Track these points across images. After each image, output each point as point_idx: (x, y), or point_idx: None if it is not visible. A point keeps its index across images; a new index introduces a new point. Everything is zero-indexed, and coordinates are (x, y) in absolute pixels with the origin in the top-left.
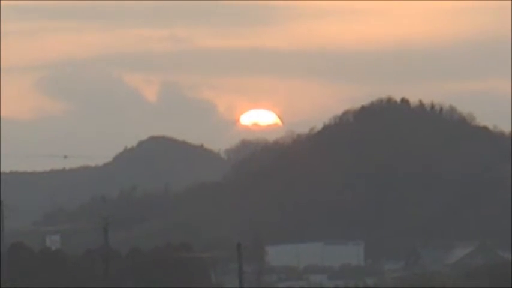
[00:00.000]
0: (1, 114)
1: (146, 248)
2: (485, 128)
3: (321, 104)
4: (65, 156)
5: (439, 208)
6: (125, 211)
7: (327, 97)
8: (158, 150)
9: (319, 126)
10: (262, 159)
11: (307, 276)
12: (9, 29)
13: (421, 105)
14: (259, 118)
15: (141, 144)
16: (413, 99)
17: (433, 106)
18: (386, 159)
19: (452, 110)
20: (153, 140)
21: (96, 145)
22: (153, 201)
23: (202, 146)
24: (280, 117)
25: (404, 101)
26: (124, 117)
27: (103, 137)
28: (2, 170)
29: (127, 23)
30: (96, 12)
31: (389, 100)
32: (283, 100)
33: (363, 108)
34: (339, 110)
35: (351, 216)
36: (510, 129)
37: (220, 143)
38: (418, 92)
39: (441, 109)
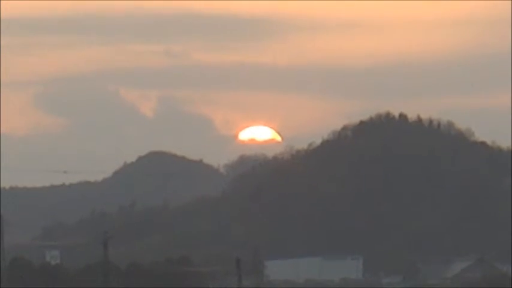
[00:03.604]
0: (0, 130)
1: (146, 262)
2: (483, 143)
3: (319, 119)
4: (65, 172)
5: (437, 222)
6: (125, 226)
7: (326, 112)
8: (157, 166)
9: (317, 141)
10: (261, 174)
11: None
12: (7, 44)
13: (419, 120)
14: (258, 134)
15: (140, 159)
16: (412, 115)
17: (431, 121)
18: (385, 174)
19: (450, 125)
20: (153, 155)
21: (96, 160)
22: (152, 216)
23: (201, 161)
24: (278, 133)
25: (403, 116)
26: (123, 133)
27: (102, 153)
28: (1, 186)
29: (123, 38)
30: (93, 28)
31: (388, 115)
32: (281, 115)
33: (361, 123)
34: (337, 125)
35: (349, 231)
36: (508, 145)
37: (219, 158)
38: (417, 107)
39: (439, 124)
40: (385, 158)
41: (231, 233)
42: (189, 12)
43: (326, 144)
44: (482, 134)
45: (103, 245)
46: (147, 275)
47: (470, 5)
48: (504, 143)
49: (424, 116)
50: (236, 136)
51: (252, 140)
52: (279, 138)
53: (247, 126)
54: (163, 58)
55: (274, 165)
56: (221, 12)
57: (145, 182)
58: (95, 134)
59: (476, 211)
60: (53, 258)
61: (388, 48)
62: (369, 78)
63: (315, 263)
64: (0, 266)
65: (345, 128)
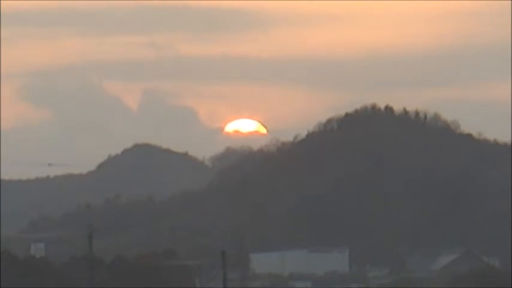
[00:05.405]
0: None
1: (131, 255)
2: (469, 136)
3: (305, 111)
4: (50, 164)
5: (424, 215)
6: (110, 219)
7: (311, 104)
8: (142, 158)
9: (303, 133)
10: (247, 166)
11: (292, 284)
12: None
13: (405, 112)
14: (243, 126)
15: (125, 152)
16: (398, 107)
17: (417, 113)
18: (371, 167)
19: (436, 117)
20: (137, 147)
21: (80, 153)
22: (137, 209)
23: (186, 153)
24: (264, 125)
25: (389, 108)
26: (108, 125)
27: (87, 145)
28: None
29: (107, 30)
30: (77, 19)
31: (374, 107)
32: (267, 108)
33: (347, 115)
34: (323, 118)
35: (335, 224)
36: (494, 137)
37: (204, 151)
38: (402, 99)
39: (425, 116)
40: (370, 151)
41: (216, 226)
42: (174, 4)
43: (311, 136)
44: (468, 126)
45: (88, 237)
46: (132, 268)
47: None
48: (490, 135)
49: (410, 108)
50: (221, 128)
51: (238, 132)
52: (263, 131)
53: (232, 119)
54: (148, 50)
55: (260, 158)
56: (206, 4)
57: (130, 175)
58: (79, 127)
59: (463, 203)
60: (38, 251)
61: (373, 40)
62: (355, 70)
63: (300, 256)
64: None
65: (330, 120)
